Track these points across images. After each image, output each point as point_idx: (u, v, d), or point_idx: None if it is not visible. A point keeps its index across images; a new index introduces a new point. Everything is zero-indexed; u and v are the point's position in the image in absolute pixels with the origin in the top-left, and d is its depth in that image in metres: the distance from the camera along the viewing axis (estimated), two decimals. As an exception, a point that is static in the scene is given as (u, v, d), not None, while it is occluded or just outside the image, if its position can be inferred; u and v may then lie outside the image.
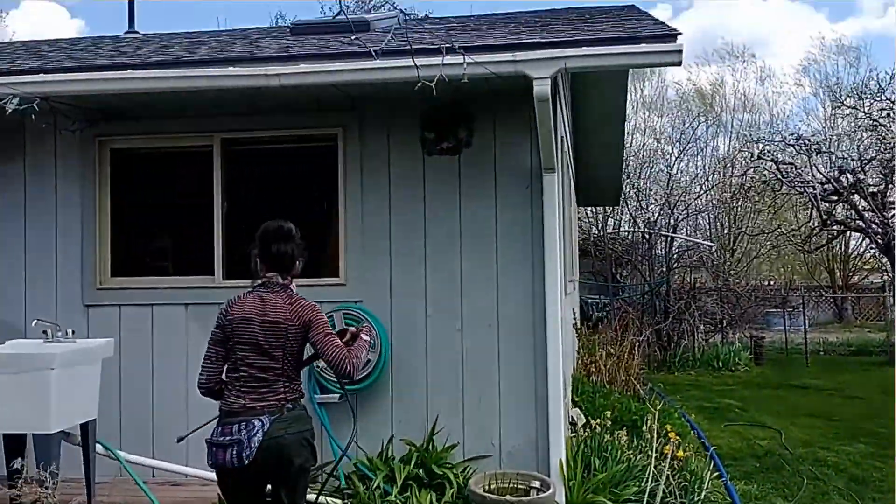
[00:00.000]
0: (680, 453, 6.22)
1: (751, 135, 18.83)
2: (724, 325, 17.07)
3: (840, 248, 21.83)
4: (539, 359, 5.53)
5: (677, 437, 6.57)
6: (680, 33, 4.69)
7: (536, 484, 5.18)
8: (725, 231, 18.63)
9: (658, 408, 6.98)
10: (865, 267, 24.94)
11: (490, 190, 5.70)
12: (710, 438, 8.35)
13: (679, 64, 4.66)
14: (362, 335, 3.88)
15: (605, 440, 5.96)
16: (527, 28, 6.15)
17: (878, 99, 13.40)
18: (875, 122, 13.78)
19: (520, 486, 5.16)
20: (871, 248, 20.88)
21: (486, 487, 5.09)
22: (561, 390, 5.50)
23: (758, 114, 25.45)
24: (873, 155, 14.74)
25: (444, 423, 5.60)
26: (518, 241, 5.63)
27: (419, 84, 4.36)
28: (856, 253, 24.76)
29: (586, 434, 6.09)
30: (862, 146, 14.83)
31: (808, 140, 15.94)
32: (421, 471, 5.37)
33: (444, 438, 5.57)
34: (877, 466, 7.54)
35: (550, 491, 5.02)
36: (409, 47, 4.76)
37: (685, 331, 15.40)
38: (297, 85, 5.08)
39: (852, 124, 15.24)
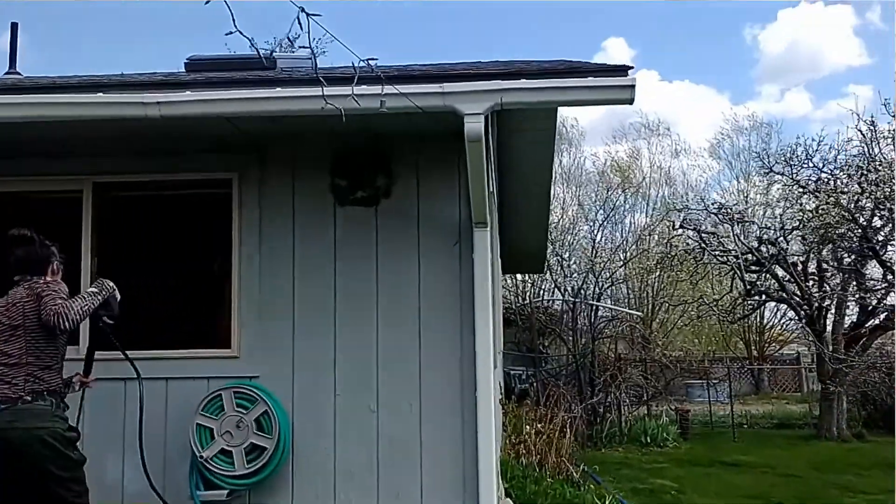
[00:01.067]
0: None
1: (673, 204, 18.77)
2: (649, 397, 16.56)
3: (756, 319, 21.85)
4: (468, 445, 4.70)
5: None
6: (631, 67, 4.08)
7: None
8: (646, 301, 18.30)
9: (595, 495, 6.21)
10: (780, 338, 25.07)
11: (412, 247, 4.93)
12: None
13: (631, 101, 4.02)
14: (90, 288, 3.91)
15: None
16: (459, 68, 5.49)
17: (806, 165, 13.41)
18: (804, 190, 13.73)
19: None
20: (791, 320, 20.96)
21: None
22: (495, 483, 4.66)
23: (673, 186, 25.74)
24: (795, 225, 14.67)
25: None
26: (444, 306, 4.85)
27: (326, 111, 3.56)
28: (771, 324, 24.86)
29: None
30: (785, 216, 14.78)
31: (730, 209, 15.84)
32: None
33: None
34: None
35: None
36: (315, 75, 3.98)
37: (612, 404, 14.76)
38: (183, 116, 4.24)
39: (777, 193, 15.24)
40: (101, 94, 4.28)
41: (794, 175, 13.88)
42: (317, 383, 4.85)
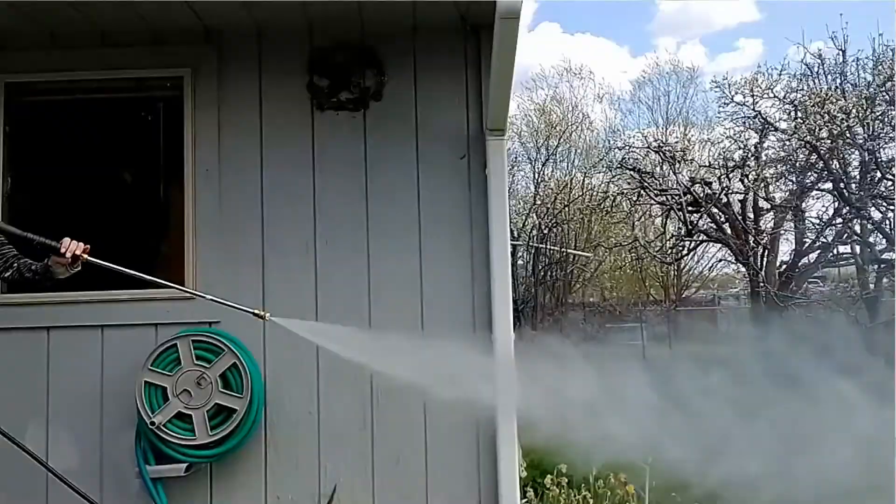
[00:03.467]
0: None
1: (611, 142, 18.27)
2: (588, 341, 16.23)
3: (695, 260, 21.85)
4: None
5: (632, 489, 5.16)
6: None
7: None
8: (584, 244, 17.84)
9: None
10: (712, 281, 25.25)
11: (410, 161, 4.01)
12: (636, 479, 7.01)
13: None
14: None
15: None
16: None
17: (768, 95, 13.02)
18: (766, 123, 13.36)
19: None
20: (721, 261, 20.97)
21: None
22: (514, 436, 3.88)
23: (596, 132, 25.26)
24: (738, 162, 14.36)
25: (346, 496, 3.81)
26: (451, 232, 3.98)
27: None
28: (708, 265, 24.87)
29: (534, 498, 4.49)
30: (728, 152, 14.46)
31: (672, 147, 15.41)
32: (317, 575, 3.57)
33: (350, 521, 3.80)
34: None
35: None
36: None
37: (554, 349, 14.28)
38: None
39: (723, 131, 14.88)
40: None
41: (755, 105, 13.48)
42: (294, 330, 3.93)
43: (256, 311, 3.21)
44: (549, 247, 14.24)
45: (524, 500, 4.47)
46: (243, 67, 4.01)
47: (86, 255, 2.94)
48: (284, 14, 3.85)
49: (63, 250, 2.91)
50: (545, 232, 14.34)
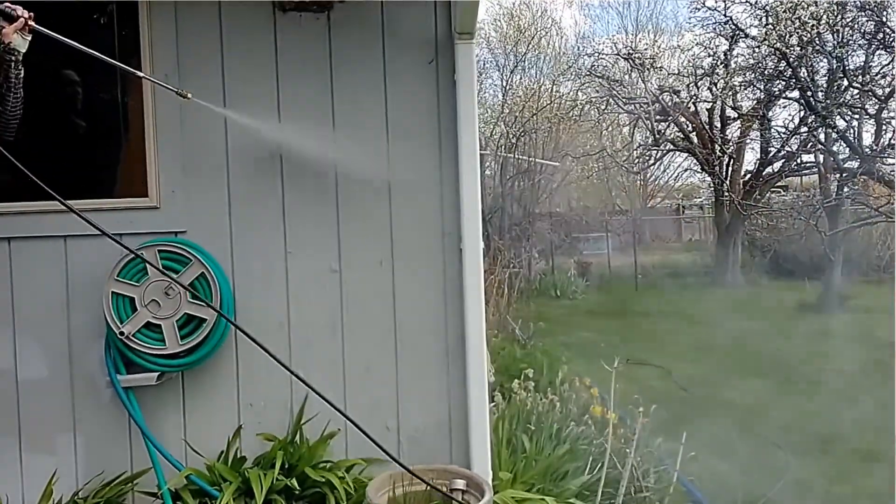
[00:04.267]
0: (598, 410, 4.97)
1: (580, 49, 18.01)
2: (554, 251, 16.39)
3: (661, 172, 21.94)
4: (452, 308, 3.93)
5: (596, 392, 5.30)
6: None
7: (460, 484, 3.62)
8: (550, 154, 17.76)
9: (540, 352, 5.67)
10: (677, 190, 25.43)
11: (376, 66, 3.91)
12: (599, 383, 7.21)
13: None
14: None
15: (527, 407, 4.51)
16: None
17: (740, 0, 12.87)
18: (737, 28, 13.20)
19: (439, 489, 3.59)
20: (686, 170, 21.11)
21: (392, 496, 3.50)
22: (483, 341, 3.94)
23: (566, 39, 24.84)
24: (707, 70, 14.25)
25: (317, 405, 3.86)
26: (419, 141, 3.92)
27: None
28: (674, 175, 24.97)
29: (502, 401, 4.60)
30: (696, 61, 14.33)
31: (642, 54, 15.23)
32: (291, 479, 3.64)
33: (322, 428, 3.86)
34: (794, 406, 6.77)
35: (486, 498, 3.48)
36: None
37: (521, 259, 14.42)
38: None
39: (691, 38, 14.70)
40: None
41: (726, 11, 13.30)
42: (262, 240, 3.89)
43: (179, 91, 3.30)
44: (517, 157, 14.16)
45: (492, 405, 4.58)
46: (201, -34, 3.83)
47: (32, 23, 2.87)
48: None
49: (10, 10, 2.83)
50: (513, 141, 14.23)
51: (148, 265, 3.56)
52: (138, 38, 3.80)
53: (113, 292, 3.61)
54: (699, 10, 13.69)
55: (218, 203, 3.86)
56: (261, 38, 3.86)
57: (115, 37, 3.96)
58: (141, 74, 3.38)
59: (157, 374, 3.67)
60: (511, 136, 14.47)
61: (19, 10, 2.84)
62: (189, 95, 3.31)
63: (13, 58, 2.89)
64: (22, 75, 2.94)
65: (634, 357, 8.71)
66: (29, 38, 2.89)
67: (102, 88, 3.90)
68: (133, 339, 3.62)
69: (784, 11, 11.26)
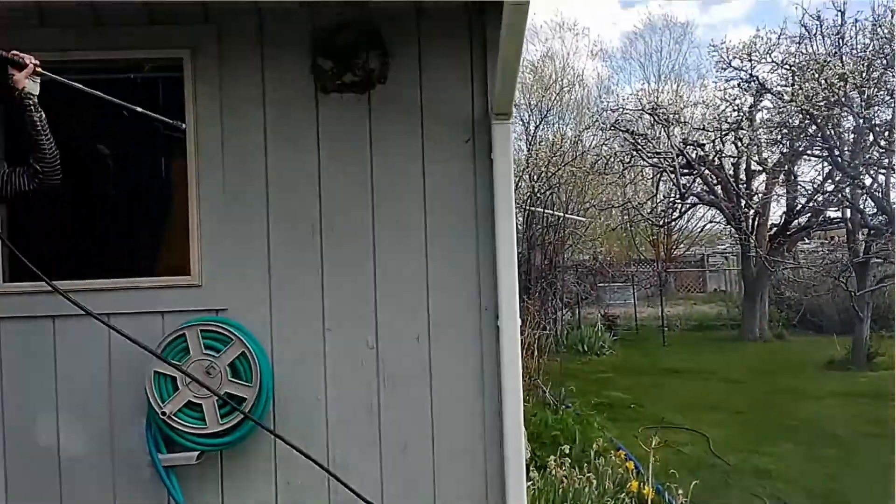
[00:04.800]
0: (635, 486, 4.89)
1: (604, 101, 18.14)
2: (581, 304, 16.31)
3: (685, 222, 21.87)
4: (489, 384, 3.92)
5: (631, 464, 5.23)
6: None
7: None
8: (575, 206, 17.81)
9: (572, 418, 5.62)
10: (700, 238, 25.27)
11: (415, 144, 3.98)
12: (632, 448, 7.12)
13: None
14: None
15: (563, 484, 4.45)
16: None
17: (766, 60, 12.92)
18: (762, 87, 13.25)
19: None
20: (711, 222, 21.06)
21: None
22: (521, 424, 3.92)
23: (589, 90, 25.02)
24: (732, 125, 14.25)
25: (353, 482, 3.83)
26: (456, 216, 3.96)
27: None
28: (698, 227, 24.79)
29: (538, 477, 4.55)
30: (723, 116, 14.35)
31: (665, 109, 15.30)
32: (328, 561, 3.62)
33: (359, 507, 3.83)
34: (826, 474, 6.62)
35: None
36: None
37: (548, 313, 14.36)
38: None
39: (716, 93, 14.77)
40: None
41: (752, 70, 13.36)
42: (300, 316, 3.92)
43: (174, 122, 3.51)
44: (544, 211, 14.21)
45: (529, 483, 4.54)
46: (243, 50, 3.93)
47: (38, 69, 3.07)
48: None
49: (19, 59, 3.03)
50: (539, 196, 14.29)
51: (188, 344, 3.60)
52: (184, 114, 3.87)
53: (155, 372, 3.64)
54: (725, 69, 13.76)
55: (259, 279, 3.91)
56: (303, 118, 3.94)
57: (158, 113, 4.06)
58: (137, 108, 3.42)
59: (197, 453, 3.68)
60: (537, 190, 14.53)
61: (27, 59, 3.06)
62: (184, 126, 3.44)
63: (30, 102, 3.07)
64: (45, 118, 3.11)
65: (667, 420, 8.62)
66: (38, 81, 3.09)
67: (148, 165, 3.99)
68: (174, 418, 3.64)
69: (810, 71, 11.32)
